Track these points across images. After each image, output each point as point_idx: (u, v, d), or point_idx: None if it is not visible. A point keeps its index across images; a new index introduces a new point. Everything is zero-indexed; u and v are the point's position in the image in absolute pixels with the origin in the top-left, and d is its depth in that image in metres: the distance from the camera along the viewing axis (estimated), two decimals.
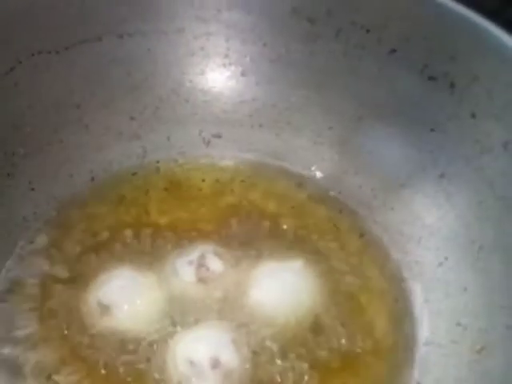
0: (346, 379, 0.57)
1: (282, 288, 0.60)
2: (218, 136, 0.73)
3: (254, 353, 0.56)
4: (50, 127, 0.66)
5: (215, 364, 0.53)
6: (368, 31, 0.64)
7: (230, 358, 0.54)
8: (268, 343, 0.57)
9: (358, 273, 0.64)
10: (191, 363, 0.53)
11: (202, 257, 0.60)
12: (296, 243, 0.65)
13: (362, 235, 0.67)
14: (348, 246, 0.66)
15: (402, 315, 0.61)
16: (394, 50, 0.64)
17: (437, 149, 0.64)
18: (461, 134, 0.62)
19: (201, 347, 0.54)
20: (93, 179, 0.69)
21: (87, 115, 0.68)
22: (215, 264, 0.60)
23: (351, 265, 0.64)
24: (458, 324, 0.58)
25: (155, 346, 0.56)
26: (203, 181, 0.70)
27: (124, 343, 0.56)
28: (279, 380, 0.55)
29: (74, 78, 0.67)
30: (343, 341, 0.58)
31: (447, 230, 0.63)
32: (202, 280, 0.59)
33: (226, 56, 0.72)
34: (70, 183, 0.67)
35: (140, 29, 0.68)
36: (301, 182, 0.71)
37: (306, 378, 0.56)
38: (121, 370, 0.55)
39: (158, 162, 0.71)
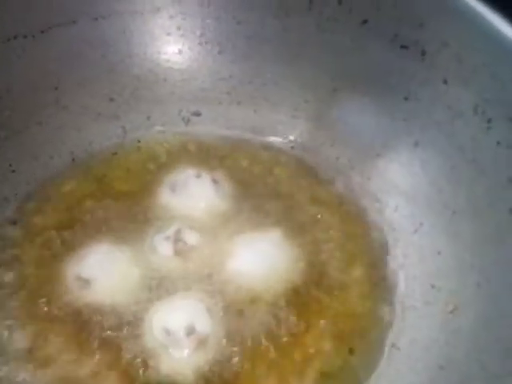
0: (323, 345, 0.57)
1: (258, 258, 0.60)
2: (198, 114, 0.74)
3: (229, 320, 0.57)
4: (29, 110, 0.67)
5: (190, 331, 0.54)
6: (340, 2, 0.65)
7: (205, 325, 0.55)
8: (243, 311, 0.58)
9: (336, 242, 0.65)
10: (167, 332, 0.54)
11: (179, 231, 0.61)
12: (275, 214, 0.66)
13: (340, 205, 0.68)
14: (326, 216, 0.67)
15: (378, 280, 0.62)
16: (365, 21, 0.65)
17: (410, 117, 0.65)
18: (433, 101, 0.63)
19: (176, 316, 0.55)
20: (73, 160, 0.70)
21: (65, 97, 0.69)
22: (192, 238, 0.61)
23: (330, 234, 0.65)
24: (432, 286, 0.59)
25: (133, 317, 0.57)
26: (183, 158, 0.71)
27: (103, 315, 0.57)
28: (253, 345, 0.56)
29: (51, 61, 0.68)
30: (320, 307, 0.59)
31: (422, 197, 0.64)
32: (179, 254, 0.60)
33: (202, 35, 0.72)
34: (50, 164, 0.69)
35: (115, 10, 0.69)
36: (280, 155, 0.72)
37: (279, 343, 0.57)
38: (99, 341, 0.56)
39: (138, 141, 0.72)
